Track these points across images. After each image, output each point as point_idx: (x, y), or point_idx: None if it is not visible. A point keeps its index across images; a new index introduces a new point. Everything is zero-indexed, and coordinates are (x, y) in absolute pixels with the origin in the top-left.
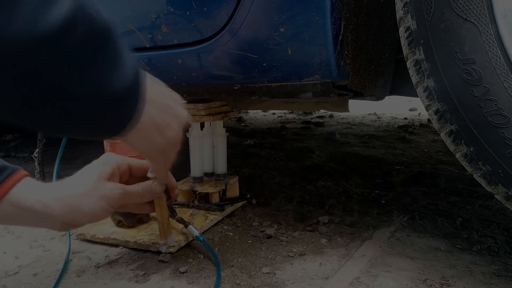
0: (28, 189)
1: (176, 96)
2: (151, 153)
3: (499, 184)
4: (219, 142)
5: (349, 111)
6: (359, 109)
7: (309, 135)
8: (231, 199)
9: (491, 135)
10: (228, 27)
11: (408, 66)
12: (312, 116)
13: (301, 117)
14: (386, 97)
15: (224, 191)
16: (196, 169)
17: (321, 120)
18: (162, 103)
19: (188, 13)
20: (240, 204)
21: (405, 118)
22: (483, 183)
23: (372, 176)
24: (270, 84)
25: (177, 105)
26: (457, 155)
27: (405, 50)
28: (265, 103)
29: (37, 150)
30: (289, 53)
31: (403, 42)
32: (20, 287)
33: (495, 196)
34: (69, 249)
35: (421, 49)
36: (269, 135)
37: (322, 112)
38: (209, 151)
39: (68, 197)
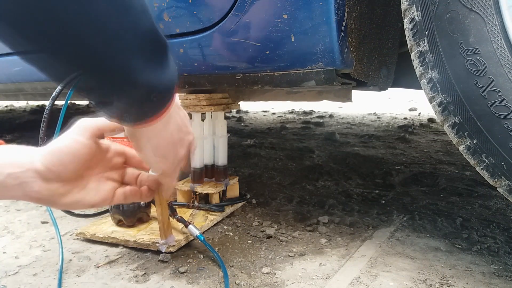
0: (9, 152)
1: (184, 113)
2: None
3: (502, 177)
4: (220, 143)
5: (352, 101)
6: (359, 109)
7: (309, 135)
8: (231, 200)
9: (495, 126)
10: (230, 15)
11: (412, 58)
12: (312, 116)
13: (301, 117)
14: (386, 98)
15: (224, 191)
16: (196, 161)
17: (321, 120)
18: (179, 117)
19: (190, 0)
20: (240, 204)
21: (405, 118)
22: (486, 176)
23: (372, 176)
24: (272, 73)
25: (188, 122)
26: (460, 148)
27: (409, 41)
28: (267, 94)
29: None
30: (292, 40)
31: (408, 33)
32: (20, 287)
33: (498, 189)
34: (62, 252)
35: (426, 40)
36: (269, 135)
37: (322, 112)
38: (209, 150)
39: (50, 145)
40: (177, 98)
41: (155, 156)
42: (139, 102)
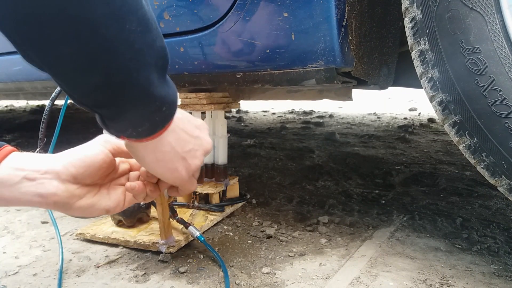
0: (25, 157)
1: (201, 123)
2: (170, 178)
3: (503, 176)
4: (220, 143)
5: (352, 100)
6: (359, 109)
7: (309, 135)
8: (231, 200)
9: (495, 125)
10: (231, 13)
11: (412, 57)
12: (312, 116)
13: (301, 117)
14: (386, 98)
15: (224, 191)
16: None
17: (321, 120)
18: (182, 130)
19: None
20: (240, 204)
21: (405, 118)
22: (486, 175)
23: (372, 176)
24: (273, 72)
25: (202, 132)
26: (461, 147)
27: (410, 40)
28: (267, 93)
29: (37, 149)
30: (293, 38)
31: (408, 32)
32: (20, 287)
33: (498, 188)
34: (62, 252)
35: (426, 39)
36: (269, 135)
37: (322, 112)
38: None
39: (69, 151)
40: (182, 111)
41: (162, 169)
42: (153, 115)
